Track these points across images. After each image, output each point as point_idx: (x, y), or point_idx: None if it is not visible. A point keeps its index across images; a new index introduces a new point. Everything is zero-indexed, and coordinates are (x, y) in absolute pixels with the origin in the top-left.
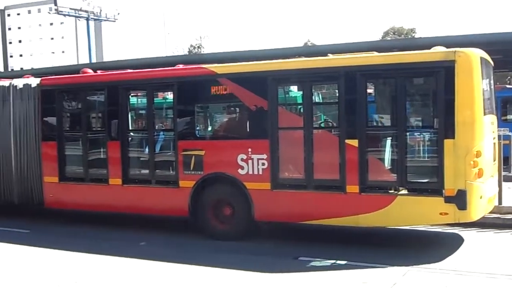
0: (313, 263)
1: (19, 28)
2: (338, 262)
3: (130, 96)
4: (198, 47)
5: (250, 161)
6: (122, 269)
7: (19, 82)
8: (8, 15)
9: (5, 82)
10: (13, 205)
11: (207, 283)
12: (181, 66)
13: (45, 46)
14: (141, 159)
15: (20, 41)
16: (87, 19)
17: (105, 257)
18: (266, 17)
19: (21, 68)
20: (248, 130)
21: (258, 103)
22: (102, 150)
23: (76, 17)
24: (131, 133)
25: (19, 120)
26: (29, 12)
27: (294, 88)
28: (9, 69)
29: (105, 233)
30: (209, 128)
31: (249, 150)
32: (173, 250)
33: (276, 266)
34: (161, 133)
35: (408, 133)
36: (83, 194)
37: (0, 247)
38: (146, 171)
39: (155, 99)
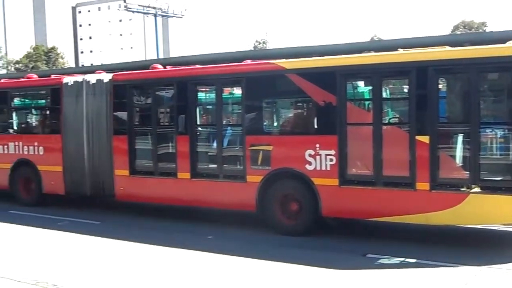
0: (381, 261)
1: (89, 25)
2: (408, 260)
3: (198, 91)
4: (263, 42)
5: (318, 157)
6: (191, 262)
7: (92, 78)
8: (79, 12)
9: (79, 78)
10: (85, 196)
11: (274, 278)
12: (249, 61)
13: (114, 42)
14: (209, 153)
15: (90, 38)
16: (155, 16)
17: (174, 250)
18: (332, 12)
19: (91, 64)
20: (316, 125)
21: (327, 99)
22: (171, 144)
23: (144, 13)
24: (200, 128)
25: (91, 114)
26: (99, 9)
27: (363, 84)
28: (80, 65)
29: (174, 226)
30: (277, 123)
31: (317, 145)
32: (240, 244)
33: (343, 262)
34: (229, 128)
35: (481, 130)
36: (152, 187)
37: (73, 238)
38: (214, 166)
39: (223, 94)
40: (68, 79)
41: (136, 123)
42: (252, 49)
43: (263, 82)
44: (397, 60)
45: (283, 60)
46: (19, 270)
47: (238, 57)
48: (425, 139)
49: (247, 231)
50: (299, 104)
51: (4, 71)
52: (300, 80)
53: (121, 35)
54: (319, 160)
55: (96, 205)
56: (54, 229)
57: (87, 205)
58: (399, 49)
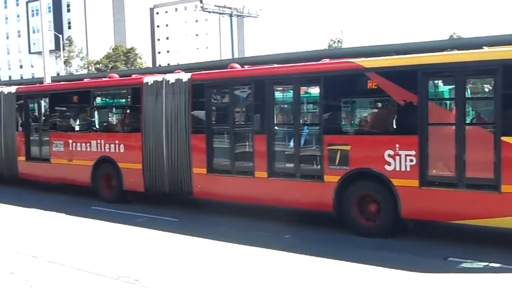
0: (464, 265)
1: (166, 25)
2: (491, 264)
3: (276, 90)
4: (338, 41)
5: (397, 157)
6: (268, 261)
7: (171, 77)
8: (157, 13)
9: (159, 77)
10: (164, 194)
11: (352, 279)
12: (327, 60)
13: (190, 42)
14: (286, 152)
15: (167, 38)
16: (231, 16)
17: (251, 248)
18: (408, 10)
19: (168, 64)
20: (396, 125)
21: (407, 98)
22: (248, 143)
23: (220, 13)
24: (277, 127)
25: (170, 113)
26: (176, 10)
27: (445, 82)
28: (157, 65)
29: (251, 225)
30: (356, 123)
31: (397, 146)
32: (317, 244)
33: (424, 265)
34: (306, 127)
35: None
36: (229, 185)
37: (152, 234)
38: (291, 165)
39: (301, 93)
40: (148, 79)
41: (214, 122)
42: (327, 48)
43: (341, 81)
44: (483, 58)
45: (362, 59)
46: (101, 265)
47: (313, 56)
48: (511, 140)
49: (324, 231)
50: (378, 103)
51: (85, 71)
52: (379, 79)
53: (197, 35)
54: (398, 160)
55: (174, 202)
56: (134, 225)
57: (165, 203)
58: (484, 47)
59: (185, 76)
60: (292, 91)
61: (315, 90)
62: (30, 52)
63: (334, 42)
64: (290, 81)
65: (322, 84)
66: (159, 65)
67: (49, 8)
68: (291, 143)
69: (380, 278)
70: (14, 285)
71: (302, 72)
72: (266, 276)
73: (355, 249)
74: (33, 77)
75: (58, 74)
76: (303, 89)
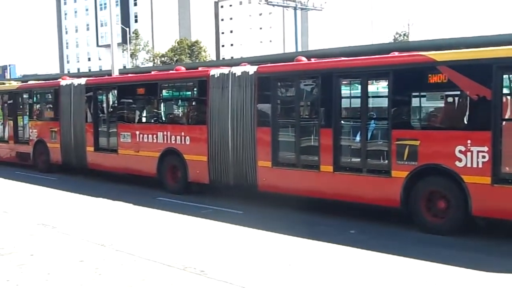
0: None
1: (230, 19)
2: None
3: (343, 84)
4: (404, 34)
5: (469, 153)
6: (333, 256)
7: (237, 70)
8: (221, 6)
9: (225, 70)
10: (229, 186)
11: (419, 277)
12: (396, 53)
13: (254, 35)
14: (353, 147)
15: (231, 32)
16: (295, 9)
17: (316, 242)
18: (476, 3)
19: (231, 57)
20: (467, 120)
21: (481, 92)
22: (314, 137)
23: (284, 7)
24: (344, 121)
25: (236, 105)
26: (240, 3)
27: None
28: (221, 58)
29: (316, 219)
30: (425, 118)
31: (468, 141)
32: (383, 240)
33: (494, 265)
34: (374, 121)
35: None
36: (294, 179)
37: (217, 226)
38: (358, 159)
39: (368, 86)
40: (215, 71)
41: (279, 115)
42: (392, 41)
43: (411, 75)
44: None
45: (433, 52)
46: (168, 255)
47: (379, 49)
48: None
49: (390, 228)
50: (449, 97)
51: (150, 64)
52: (451, 73)
53: (260, 28)
54: (470, 156)
55: (238, 195)
56: (199, 217)
57: (229, 195)
58: None
59: (251, 69)
60: (360, 85)
61: (383, 84)
62: (98, 45)
63: (400, 35)
64: (358, 75)
65: (391, 77)
66: (223, 58)
67: (117, 2)
68: (358, 138)
69: (446, 276)
70: (84, 273)
71: (371, 65)
72: (330, 271)
73: (421, 246)
74: (100, 69)
75: (124, 66)
76: (371, 82)
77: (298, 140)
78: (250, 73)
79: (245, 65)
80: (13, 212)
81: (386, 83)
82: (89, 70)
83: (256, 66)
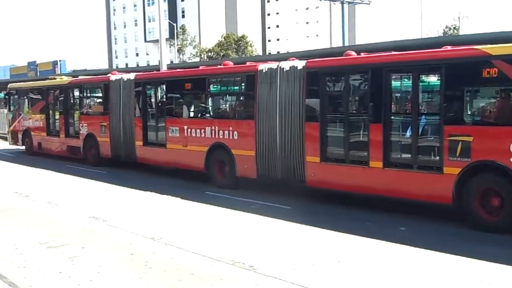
0: None
1: (277, 13)
2: None
3: (394, 78)
4: (454, 28)
5: None
6: (382, 253)
7: (286, 65)
8: (268, 1)
9: (273, 65)
10: (276, 181)
11: (471, 275)
12: (448, 47)
13: (300, 30)
14: (403, 142)
15: (277, 26)
16: (342, 3)
17: (365, 239)
18: None
19: (278, 52)
20: None
21: None
22: (363, 132)
23: (331, 1)
24: (394, 116)
25: (284, 100)
26: None
27: None
28: (267, 53)
29: (365, 215)
30: (479, 113)
31: None
32: (434, 238)
33: None
34: (425, 116)
35: None
36: (343, 175)
37: (265, 221)
38: (408, 155)
39: (420, 81)
40: (263, 66)
41: (328, 110)
42: (441, 35)
43: (464, 69)
44: None
45: (488, 46)
46: (217, 249)
47: (429, 43)
48: None
49: (441, 225)
50: (505, 92)
51: (197, 59)
52: (507, 67)
53: (307, 23)
54: None
55: (286, 190)
56: (247, 212)
57: (277, 190)
58: None
59: (299, 64)
60: (410, 79)
61: (435, 78)
62: (145, 41)
63: (450, 29)
64: (409, 69)
65: (443, 72)
66: (269, 53)
67: None
68: (409, 133)
69: (499, 275)
70: (134, 266)
71: (422, 59)
72: (379, 269)
73: (473, 245)
74: (148, 64)
75: (171, 62)
76: (423, 77)
77: (347, 135)
78: (298, 68)
79: (293, 59)
80: (65, 205)
81: (439, 77)
82: (137, 65)
83: (305, 61)
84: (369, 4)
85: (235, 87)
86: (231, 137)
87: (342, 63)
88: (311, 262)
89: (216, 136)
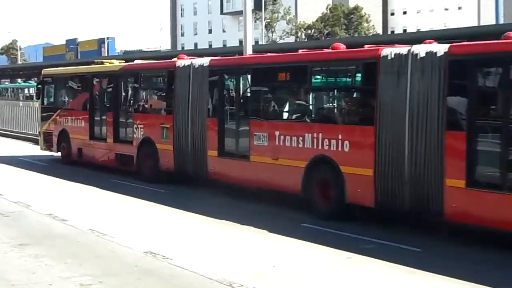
0: None
1: None
2: None
3: None
4: None
5: None
6: None
7: (420, 49)
8: None
9: (402, 49)
10: (402, 212)
11: None
12: None
13: (436, 1)
14: None
15: None
16: None
17: None
18: None
19: (404, 31)
20: None
21: None
22: None
23: None
24: None
25: (418, 99)
26: None
27: None
28: (389, 31)
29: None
30: None
31: None
32: None
33: None
34: None
35: None
36: (502, 206)
37: (385, 269)
38: None
39: None
40: (388, 51)
41: (480, 114)
42: None
43: None
44: None
45: None
46: None
47: None
48: None
49: None
50: None
51: (291, 39)
52: None
53: None
54: None
55: (415, 224)
56: (359, 253)
57: (402, 224)
58: None
59: (439, 48)
60: None
61: None
62: (222, 13)
63: None
64: None
65: None
66: (392, 32)
67: None
68: None
69: None
70: None
71: None
72: None
73: None
74: (224, 45)
75: (256, 42)
76: None
77: (508, 151)
78: (438, 54)
79: (430, 42)
80: (112, 233)
81: None
82: (210, 45)
83: (447, 44)
84: None
85: (347, 80)
86: (339, 149)
87: (501, 49)
88: None
89: (319, 147)
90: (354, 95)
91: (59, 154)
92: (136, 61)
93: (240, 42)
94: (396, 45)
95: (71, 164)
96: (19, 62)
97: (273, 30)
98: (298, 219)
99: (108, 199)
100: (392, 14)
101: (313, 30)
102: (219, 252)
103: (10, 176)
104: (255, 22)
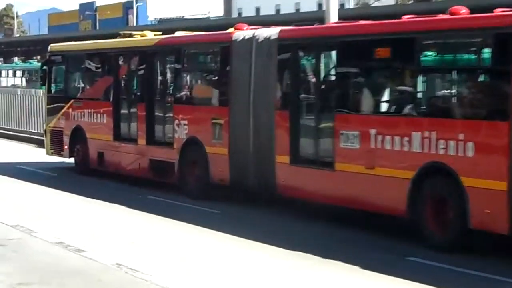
0: None
1: None
2: None
3: None
4: None
5: None
6: None
7: None
8: None
9: None
10: None
11: None
12: None
13: None
14: None
15: None
16: None
17: None
18: None
19: None
20: None
21: None
22: None
23: None
24: None
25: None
26: None
27: None
28: None
29: None
30: None
31: None
32: None
33: None
34: None
35: None
36: None
37: None
38: None
39: None
40: None
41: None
42: None
43: None
44: None
45: None
46: None
47: None
48: None
49: None
50: None
51: (390, 1)
52: None
53: None
54: None
55: None
56: None
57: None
58: None
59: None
60: None
61: None
62: None
63: None
64: None
65: None
66: None
67: None
68: None
69: None
70: None
71: None
72: None
73: None
74: (297, 10)
75: (342, 5)
76: None
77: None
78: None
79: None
80: (154, 274)
81: None
82: (277, 11)
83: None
84: None
85: (471, 57)
86: (459, 153)
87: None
88: None
89: (432, 151)
90: (479, 80)
91: (72, 160)
92: (177, 33)
93: (320, 5)
94: None
95: (88, 174)
96: (16, 35)
97: None
98: (401, 250)
99: (141, 223)
100: None
101: None
102: None
103: (7, 191)
104: None
